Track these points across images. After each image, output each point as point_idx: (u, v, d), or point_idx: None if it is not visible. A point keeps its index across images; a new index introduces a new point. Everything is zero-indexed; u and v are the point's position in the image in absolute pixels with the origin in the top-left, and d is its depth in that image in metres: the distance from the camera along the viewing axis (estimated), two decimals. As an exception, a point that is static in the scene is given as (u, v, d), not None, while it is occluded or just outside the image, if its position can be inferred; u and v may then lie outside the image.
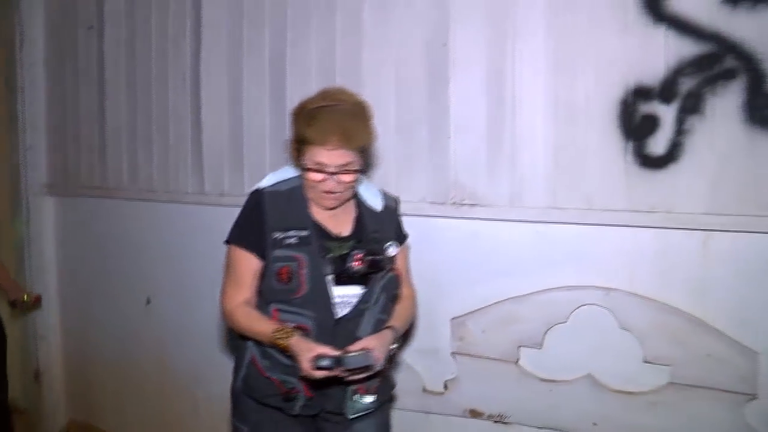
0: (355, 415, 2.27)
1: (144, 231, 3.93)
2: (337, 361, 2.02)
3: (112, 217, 4.09)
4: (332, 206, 2.27)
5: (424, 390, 3.04)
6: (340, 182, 2.19)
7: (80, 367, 4.45)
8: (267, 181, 2.31)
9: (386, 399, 2.42)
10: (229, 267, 2.30)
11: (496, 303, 2.91)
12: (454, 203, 2.95)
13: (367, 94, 2.84)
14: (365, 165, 2.39)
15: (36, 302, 3.65)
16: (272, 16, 3.38)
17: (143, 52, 3.87)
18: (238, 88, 3.50)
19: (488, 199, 2.90)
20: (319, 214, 2.28)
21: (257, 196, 2.26)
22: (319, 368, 2.01)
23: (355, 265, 2.20)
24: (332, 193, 2.20)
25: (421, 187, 2.99)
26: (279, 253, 2.18)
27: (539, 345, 2.84)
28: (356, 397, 2.23)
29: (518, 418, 2.90)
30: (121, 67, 3.98)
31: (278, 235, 2.20)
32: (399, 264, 2.40)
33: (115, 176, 4.06)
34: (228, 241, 2.30)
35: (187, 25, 3.67)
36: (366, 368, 2.07)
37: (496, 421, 2.95)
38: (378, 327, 2.23)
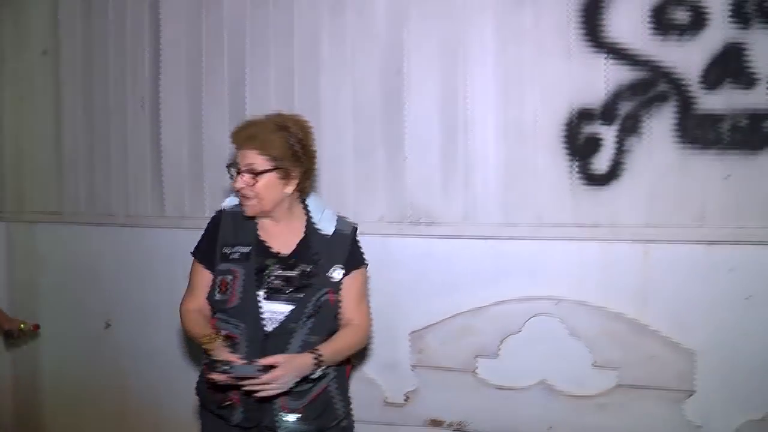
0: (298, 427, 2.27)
1: (102, 255, 3.88)
2: (229, 368, 2.10)
3: (69, 242, 4.03)
4: (250, 214, 2.33)
5: (386, 402, 3.12)
6: (248, 185, 2.25)
7: (31, 394, 4.34)
8: (229, 201, 2.41)
9: (324, 426, 2.32)
10: (189, 276, 2.41)
11: (453, 316, 3.03)
12: (411, 222, 3.08)
13: (324, 118, 3.03)
14: (291, 179, 2.28)
15: (35, 330, 3.49)
16: (231, 41, 3.47)
17: (100, 77, 3.87)
18: (197, 112, 3.55)
19: (443, 218, 3.04)
20: (266, 234, 2.35)
21: (218, 214, 2.39)
22: (215, 371, 2.09)
23: (272, 280, 2.26)
24: (246, 198, 2.27)
25: (379, 207, 3.10)
26: (222, 266, 2.28)
27: (495, 355, 2.97)
28: (281, 414, 2.24)
29: (477, 425, 3.02)
30: (78, 92, 3.96)
31: (226, 250, 2.32)
32: (350, 291, 2.37)
33: (72, 201, 4.02)
34: (192, 253, 2.41)
35: (146, 50, 3.71)
36: (253, 378, 2.10)
37: (456, 430, 3.07)
38: (305, 348, 2.23)
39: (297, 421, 2.23)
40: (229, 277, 2.26)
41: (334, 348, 2.26)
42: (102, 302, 3.88)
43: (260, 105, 3.32)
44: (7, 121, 4.28)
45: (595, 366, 2.83)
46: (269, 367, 2.08)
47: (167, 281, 3.54)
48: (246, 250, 2.31)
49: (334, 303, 2.28)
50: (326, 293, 2.29)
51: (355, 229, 2.40)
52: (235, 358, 2.12)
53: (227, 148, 3.36)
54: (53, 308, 4.17)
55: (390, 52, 3.12)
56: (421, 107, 3.07)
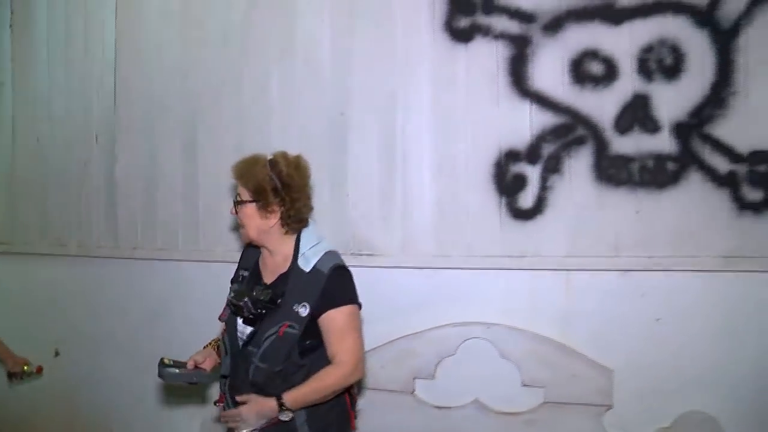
0: None
1: (53, 284, 3.90)
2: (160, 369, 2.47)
3: (19, 272, 4.04)
4: (243, 241, 2.52)
5: None
6: (233, 213, 2.46)
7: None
8: None
9: None
10: None
11: (393, 340, 3.18)
12: (353, 253, 3.22)
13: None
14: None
15: (38, 372, 3.41)
16: (184, 82, 3.58)
17: (58, 109, 3.94)
18: (152, 147, 3.65)
19: (383, 249, 3.21)
20: (263, 263, 2.49)
21: (248, 243, 2.59)
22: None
23: (237, 302, 2.38)
24: (240, 225, 2.46)
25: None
26: (233, 285, 2.53)
27: (432, 376, 3.12)
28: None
29: None
30: (31, 124, 4.01)
31: (240, 272, 2.57)
32: (330, 328, 2.33)
33: (23, 231, 4.04)
34: None
35: (103, 86, 3.80)
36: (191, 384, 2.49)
37: None
38: (257, 373, 2.31)
39: None
40: (230, 295, 2.43)
41: (300, 392, 2.28)
42: (52, 331, 3.89)
43: (212, 143, 3.50)
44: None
45: (524, 385, 3.01)
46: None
47: (119, 310, 3.61)
48: (246, 274, 2.49)
49: (283, 336, 2.27)
50: (282, 326, 2.30)
51: (335, 267, 2.35)
52: (191, 363, 2.43)
53: (180, 181, 3.54)
54: (2, 335, 4.18)
55: (335, 97, 3.29)
56: (363, 148, 3.24)
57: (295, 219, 2.37)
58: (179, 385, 2.52)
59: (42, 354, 3.85)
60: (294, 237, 2.40)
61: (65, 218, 3.84)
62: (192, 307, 3.46)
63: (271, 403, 2.28)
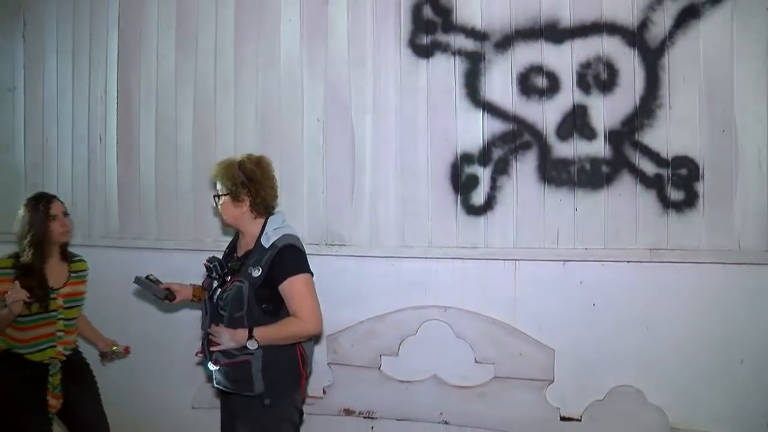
0: (217, 386, 2.88)
1: None
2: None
3: None
4: (224, 225, 3.08)
5: (307, 396, 3.37)
6: (216, 205, 2.95)
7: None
8: None
9: (241, 391, 2.78)
10: None
11: (361, 322, 3.44)
12: (327, 244, 3.50)
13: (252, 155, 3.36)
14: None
15: (126, 352, 3.47)
16: (181, 88, 3.83)
17: (65, 112, 4.18)
18: (151, 147, 3.90)
19: (353, 241, 3.48)
20: (239, 242, 2.97)
21: None
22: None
23: (211, 267, 2.90)
24: (219, 213, 2.97)
25: (301, 231, 3.35)
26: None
27: (396, 353, 3.38)
28: (209, 362, 2.82)
29: (382, 413, 3.41)
30: (44, 124, 4.24)
31: (226, 250, 3.06)
32: (290, 293, 2.74)
33: None
34: None
35: (108, 90, 4.03)
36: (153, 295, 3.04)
37: (365, 417, 3.44)
38: (217, 318, 2.80)
39: (216, 370, 2.81)
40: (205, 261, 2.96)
41: (267, 330, 2.74)
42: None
43: (204, 143, 3.76)
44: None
45: (476, 362, 3.26)
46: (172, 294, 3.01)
47: (119, 293, 3.84)
48: (227, 250, 3.01)
49: (232, 287, 2.76)
50: (234, 281, 2.81)
51: (287, 245, 2.76)
52: (165, 285, 3.00)
53: (176, 178, 3.81)
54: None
55: (311, 105, 3.54)
56: (336, 150, 3.50)
57: (262, 205, 2.88)
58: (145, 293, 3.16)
59: None
60: (262, 221, 2.87)
61: (71, 211, 3.92)
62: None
63: (243, 332, 2.75)
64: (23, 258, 3.07)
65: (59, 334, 3.12)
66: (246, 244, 2.91)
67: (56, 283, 3.12)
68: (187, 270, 3.33)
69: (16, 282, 2.95)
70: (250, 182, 2.82)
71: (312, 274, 2.82)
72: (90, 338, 3.42)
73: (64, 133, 4.21)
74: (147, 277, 2.98)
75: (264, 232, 2.83)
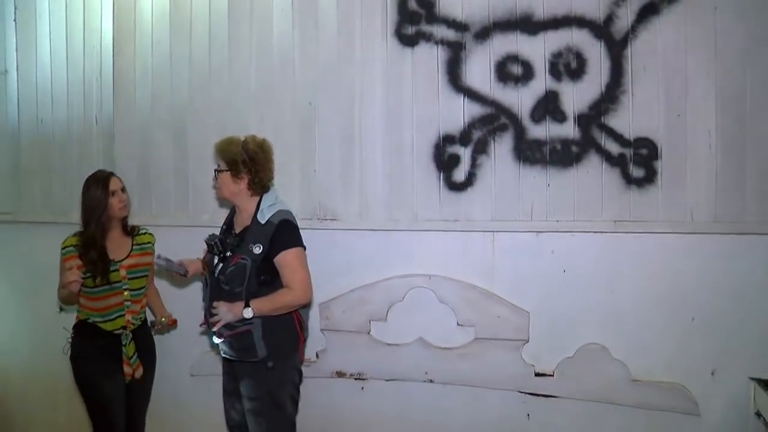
0: (224, 356, 3.14)
1: (55, 249, 3.73)
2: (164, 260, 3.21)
3: (23, 238, 4.34)
4: (218, 198, 3.36)
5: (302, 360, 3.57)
6: (213, 179, 3.18)
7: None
8: None
9: (245, 358, 3.03)
10: None
11: (351, 290, 3.66)
12: (319, 219, 3.71)
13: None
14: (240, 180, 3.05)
15: (172, 324, 3.60)
16: (176, 71, 3.97)
17: (59, 94, 4.27)
18: (146, 128, 4.04)
19: (343, 216, 3.69)
20: (236, 218, 3.19)
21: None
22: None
23: (211, 243, 3.13)
24: (217, 186, 3.18)
25: (295, 207, 3.54)
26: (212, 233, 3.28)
27: (384, 319, 3.62)
28: (213, 335, 3.07)
29: (372, 374, 3.66)
30: (38, 107, 4.34)
31: (223, 226, 3.31)
32: (283, 265, 2.99)
33: (28, 203, 4.37)
34: None
35: (101, 73, 4.14)
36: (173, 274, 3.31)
37: (356, 378, 3.68)
38: (223, 295, 3.01)
39: (221, 342, 3.07)
40: (206, 237, 3.21)
41: (261, 300, 2.98)
42: (52, 293, 3.97)
43: (199, 125, 3.91)
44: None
45: (458, 324, 3.51)
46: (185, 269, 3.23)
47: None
48: (224, 227, 3.19)
49: (236, 264, 2.98)
50: (238, 258, 3.01)
51: (282, 220, 3.00)
52: (179, 261, 3.22)
53: (171, 158, 3.97)
54: (8, 296, 4.53)
55: (304, 90, 3.73)
56: (327, 131, 3.70)
57: (259, 185, 3.08)
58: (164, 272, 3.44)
59: (48, 311, 4.15)
60: (257, 198, 3.09)
61: (67, 191, 4.12)
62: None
63: (240, 304, 2.99)
64: (86, 233, 3.24)
65: (126, 303, 3.30)
66: (243, 221, 3.13)
67: (118, 256, 3.29)
68: (183, 244, 3.50)
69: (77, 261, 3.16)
70: (252, 162, 3.03)
71: (304, 248, 3.06)
72: (153, 308, 3.58)
73: (59, 115, 4.27)
74: (158, 257, 3.18)
75: (259, 209, 3.05)
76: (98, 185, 3.27)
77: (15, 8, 4.40)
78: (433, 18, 3.50)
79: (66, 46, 4.27)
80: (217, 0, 3.90)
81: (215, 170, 3.10)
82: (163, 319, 3.55)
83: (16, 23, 4.40)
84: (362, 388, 3.68)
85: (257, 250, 2.97)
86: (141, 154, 4.09)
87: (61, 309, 3.99)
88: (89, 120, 4.20)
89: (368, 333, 3.65)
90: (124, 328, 3.29)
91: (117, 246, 3.32)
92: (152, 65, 4.06)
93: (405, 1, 3.54)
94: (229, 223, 3.24)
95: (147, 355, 3.45)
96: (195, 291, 3.76)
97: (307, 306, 3.20)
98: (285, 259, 2.99)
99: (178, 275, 3.22)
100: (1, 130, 4.47)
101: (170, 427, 4.09)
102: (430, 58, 3.51)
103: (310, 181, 3.74)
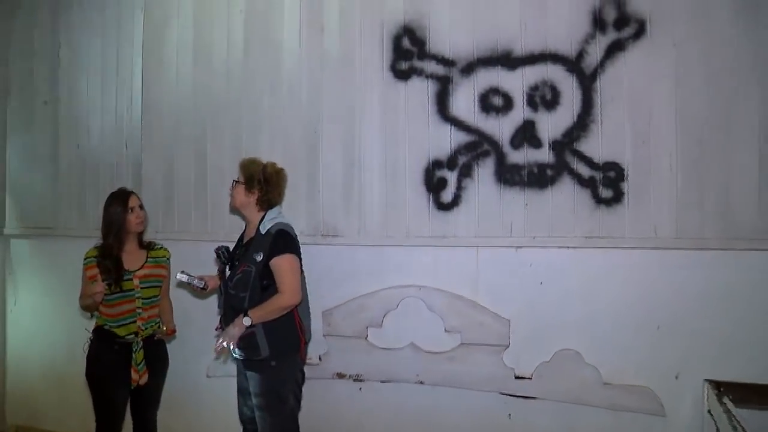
0: (234, 356, 3.43)
1: None
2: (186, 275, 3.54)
3: (60, 251, 4.71)
4: (231, 206, 3.63)
5: (305, 363, 3.76)
6: (230, 188, 3.52)
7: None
8: None
9: (250, 357, 3.33)
10: None
11: (351, 299, 3.94)
12: (322, 235, 4.02)
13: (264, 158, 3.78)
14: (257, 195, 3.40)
15: (170, 334, 3.76)
16: (197, 102, 4.35)
17: (95, 122, 4.69)
18: (170, 153, 4.42)
19: (344, 232, 3.99)
20: (246, 231, 3.52)
21: None
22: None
23: (221, 254, 3.49)
24: (231, 196, 3.54)
25: (301, 224, 3.97)
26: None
27: (380, 325, 3.88)
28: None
29: (369, 376, 3.92)
30: (76, 134, 4.76)
31: (238, 241, 3.65)
32: (277, 271, 3.29)
33: (65, 219, 4.78)
34: None
35: (132, 104, 4.55)
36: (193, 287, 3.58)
37: (354, 380, 3.94)
38: (231, 299, 3.35)
39: (237, 353, 3.37)
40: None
41: (258, 308, 3.29)
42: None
43: (217, 150, 4.27)
44: (12, 155, 5.04)
45: (446, 331, 3.75)
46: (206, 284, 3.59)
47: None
48: (238, 241, 3.54)
49: (243, 272, 3.31)
50: (243, 266, 3.34)
51: (280, 231, 3.32)
52: (200, 275, 3.56)
53: (192, 179, 4.34)
54: (38, 305, 4.93)
55: (310, 117, 4.06)
56: (330, 155, 4.01)
57: (266, 202, 3.43)
58: (186, 285, 3.64)
59: (79, 315, 4.41)
60: (263, 213, 3.40)
61: (99, 209, 4.14)
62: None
63: (240, 317, 3.30)
64: (104, 245, 3.58)
65: (138, 311, 3.58)
66: (249, 233, 3.49)
67: (133, 266, 3.61)
68: (203, 258, 3.80)
69: (99, 277, 3.47)
70: (266, 182, 3.41)
71: (298, 256, 3.36)
72: (162, 318, 3.81)
73: (94, 141, 4.69)
74: (181, 272, 3.51)
75: (263, 222, 3.39)
76: (118, 202, 3.61)
77: (59, 46, 4.83)
78: (424, 55, 3.82)
79: (101, 80, 4.67)
80: (234, 37, 4.27)
81: (234, 180, 3.47)
82: (164, 328, 3.74)
83: (60, 59, 4.83)
84: (360, 388, 3.95)
85: (258, 257, 3.30)
86: (165, 175, 4.45)
87: (93, 315, 4.16)
88: (120, 145, 4.59)
89: (366, 338, 3.91)
90: (135, 334, 3.57)
91: (133, 257, 3.63)
92: (176, 96, 4.43)
93: (399, 40, 3.87)
94: (240, 238, 3.59)
95: (157, 362, 3.73)
96: (211, 298, 4.08)
97: (296, 306, 3.42)
98: (278, 264, 3.30)
99: (198, 288, 3.55)
100: (44, 153, 4.89)
101: (187, 426, 4.40)
102: (421, 90, 3.82)
103: (315, 200, 4.05)
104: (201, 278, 3.53)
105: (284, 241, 3.34)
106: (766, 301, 3.31)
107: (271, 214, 3.42)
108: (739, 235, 3.34)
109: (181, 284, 3.62)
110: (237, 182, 3.45)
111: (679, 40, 3.42)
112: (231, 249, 3.53)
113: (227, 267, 3.47)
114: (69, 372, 4.64)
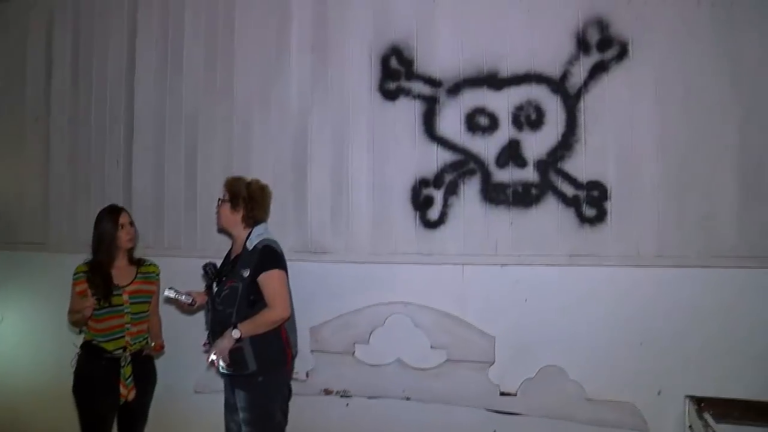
0: (222, 371, 3.43)
1: None
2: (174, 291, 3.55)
3: (51, 265, 4.70)
4: (217, 225, 3.67)
5: (293, 378, 3.80)
6: (217, 206, 3.55)
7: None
8: None
9: (237, 372, 3.34)
10: None
11: (338, 315, 3.97)
12: (311, 252, 4.04)
13: (254, 176, 3.81)
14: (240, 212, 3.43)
15: (157, 350, 3.79)
16: (188, 119, 4.39)
17: (85, 138, 4.71)
18: (161, 169, 4.45)
19: (332, 249, 4.02)
20: (233, 248, 3.54)
21: None
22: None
23: (209, 270, 3.52)
24: (217, 214, 3.58)
25: (290, 241, 4.00)
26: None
27: (367, 341, 3.91)
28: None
29: (356, 391, 3.94)
30: (68, 149, 4.78)
31: (225, 258, 3.66)
32: (265, 286, 3.32)
33: (56, 234, 4.79)
34: None
35: (122, 120, 4.59)
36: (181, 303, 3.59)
37: (341, 396, 3.96)
38: (219, 315, 3.37)
39: (224, 367, 3.38)
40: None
41: (248, 322, 3.31)
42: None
43: (207, 168, 4.30)
44: (3, 172, 5.04)
45: (432, 347, 3.78)
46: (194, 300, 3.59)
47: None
48: (225, 258, 3.55)
49: (230, 288, 3.34)
50: (231, 282, 3.36)
51: (264, 246, 3.36)
52: (187, 291, 3.54)
53: (182, 196, 4.36)
54: (32, 317, 4.92)
55: (299, 136, 4.10)
56: (319, 173, 4.05)
57: (252, 219, 3.46)
58: (173, 302, 3.65)
59: (69, 330, 4.32)
60: (249, 230, 3.43)
61: (90, 225, 4.16)
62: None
63: (228, 331, 3.32)
64: (94, 260, 3.60)
65: (127, 326, 3.59)
66: (236, 249, 3.52)
67: (122, 282, 3.62)
68: (192, 273, 3.77)
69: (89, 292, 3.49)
70: (250, 199, 3.44)
71: (285, 271, 3.39)
72: (151, 333, 3.81)
73: (85, 157, 4.71)
74: (169, 288, 3.52)
75: (249, 239, 3.42)
76: (109, 218, 3.65)
77: (52, 63, 4.86)
78: (411, 75, 3.88)
79: (92, 95, 4.69)
80: (226, 57, 4.31)
81: (219, 199, 3.52)
82: (152, 344, 3.78)
83: (51, 76, 4.85)
84: (347, 404, 3.96)
85: (245, 273, 3.33)
86: (155, 192, 4.49)
87: (81, 330, 4.16)
88: (111, 162, 4.61)
89: (353, 354, 3.94)
90: (124, 349, 3.58)
91: (122, 273, 3.65)
92: (167, 114, 4.46)
93: (387, 60, 3.93)
94: (227, 255, 3.62)
95: (145, 378, 3.74)
96: (199, 314, 4.02)
97: (287, 321, 3.44)
98: (266, 280, 3.33)
99: (186, 305, 3.57)
100: (36, 169, 4.89)
101: (175, 441, 4.39)
102: (408, 110, 3.87)
103: (304, 218, 4.09)
104: (188, 294, 3.55)
105: (270, 256, 3.37)
106: (746, 317, 3.36)
107: (258, 230, 3.45)
108: (720, 253, 3.40)
109: (168, 300, 3.63)
110: (222, 200, 3.49)
111: (660, 61, 3.50)
112: (218, 265, 3.55)
113: (215, 283, 3.49)
114: (56, 388, 4.56)
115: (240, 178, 3.53)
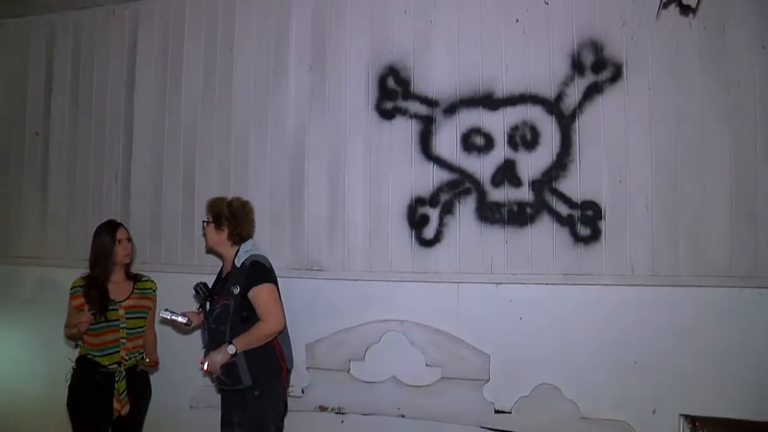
0: (219, 386, 3.51)
1: None
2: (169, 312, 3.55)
3: (48, 280, 4.68)
4: (206, 247, 3.67)
5: (289, 395, 3.81)
6: (202, 228, 3.59)
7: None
8: None
9: (231, 386, 3.37)
10: None
11: (334, 333, 3.97)
12: (306, 269, 4.05)
13: (250, 196, 3.90)
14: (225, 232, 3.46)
15: (153, 366, 3.78)
16: (186, 137, 4.40)
17: (83, 156, 4.69)
18: (159, 186, 4.45)
19: (328, 266, 4.02)
20: (223, 268, 3.57)
21: None
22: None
23: (200, 289, 3.53)
24: (204, 236, 3.61)
25: (286, 258, 4.03)
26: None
27: (362, 359, 3.91)
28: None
29: (351, 408, 3.93)
30: (66, 166, 4.76)
31: (217, 276, 3.71)
32: (256, 300, 3.34)
33: (53, 249, 4.75)
34: None
35: (121, 137, 4.58)
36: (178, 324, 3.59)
37: (337, 413, 3.95)
38: (212, 332, 3.41)
39: (219, 381, 3.42)
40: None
41: (242, 337, 3.32)
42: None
43: (205, 184, 4.30)
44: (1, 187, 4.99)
45: (427, 365, 3.78)
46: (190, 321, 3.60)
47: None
48: (217, 277, 3.57)
49: (222, 306, 3.36)
50: (223, 299, 3.39)
51: (252, 262, 3.38)
52: (182, 312, 3.55)
53: (180, 212, 4.37)
54: (27, 332, 4.85)
55: (296, 154, 4.11)
56: (315, 191, 4.06)
57: (237, 236, 3.49)
58: (170, 323, 3.64)
59: (65, 344, 4.35)
60: (237, 247, 3.46)
61: (88, 240, 4.12)
62: (189, 308, 3.91)
63: (224, 346, 3.32)
64: (91, 275, 3.60)
65: (122, 341, 3.59)
66: (227, 268, 3.55)
67: (119, 297, 3.63)
68: (189, 289, 3.66)
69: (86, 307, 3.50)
70: (233, 217, 3.48)
71: (275, 284, 3.42)
72: (146, 349, 3.79)
73: (84, 173, 4.69)
74: (165, 309, 3.53)
75: (237, 255, 3.44)
76: (107, 233, 3.66)
77: (52, 79, 4.85)
78: (408, 95, 3.91)
79: (92, 112, 4.69)
80: (223, 75, 4.32)
81: (203, 221, 3.54)
82: (147, 359, 3.74)
83: (52, 91, 4.84)
84: (342, 421, 3.95)
85: (236, 290, 3.36)
86: (153, 208, 4.49)
87: (77, 344, 4.14)
88: (110, 178, 4.61)
89: (348, 371, 3.93)
90: (119, 364, 3.57)
91: (119, 288, 3.66)
92: (166, 132, 4.47)
93: (384, 80, 3.96)
94: (219, 274, 3.65)
95: (140, 393, 3.73)
96: (195, 331, 4.03)
97: (279, 333, 3.46)
98: (256, 294, 3.36)
99: (183, 324, 3.57)
100: (35, 185, 4.88)
101: (170, 456, 4.36)
102: (405, 129, 3.89)
103: (300, 235, 4.09)
104: (184, 314, 3.55)
105: (258, 271, 3.40)
106: (739, 336, 3.37)
107: (245, 246, 3.48)
108: (713, 272, 3.42)
109: (164, 321, 3.64)
110: (207, 222, 3.52)
111: (653, 84, 3.53)
112: (210, 284, 3.56)
113: (208, 302, 3.50)
114: (50, 402, 4.44)
115: (221, 198, 3.58)
